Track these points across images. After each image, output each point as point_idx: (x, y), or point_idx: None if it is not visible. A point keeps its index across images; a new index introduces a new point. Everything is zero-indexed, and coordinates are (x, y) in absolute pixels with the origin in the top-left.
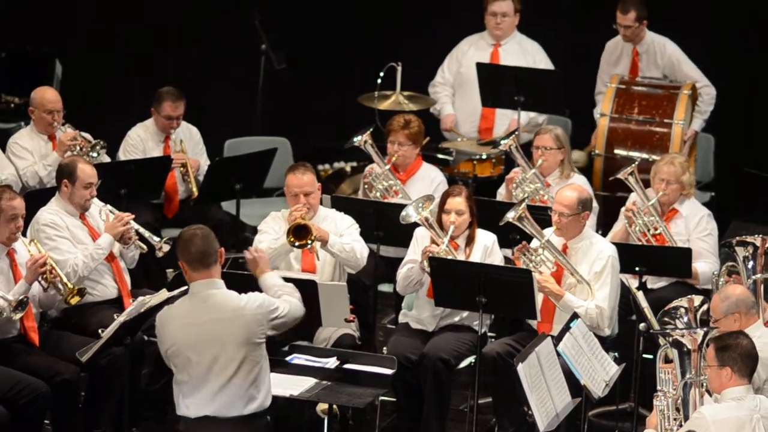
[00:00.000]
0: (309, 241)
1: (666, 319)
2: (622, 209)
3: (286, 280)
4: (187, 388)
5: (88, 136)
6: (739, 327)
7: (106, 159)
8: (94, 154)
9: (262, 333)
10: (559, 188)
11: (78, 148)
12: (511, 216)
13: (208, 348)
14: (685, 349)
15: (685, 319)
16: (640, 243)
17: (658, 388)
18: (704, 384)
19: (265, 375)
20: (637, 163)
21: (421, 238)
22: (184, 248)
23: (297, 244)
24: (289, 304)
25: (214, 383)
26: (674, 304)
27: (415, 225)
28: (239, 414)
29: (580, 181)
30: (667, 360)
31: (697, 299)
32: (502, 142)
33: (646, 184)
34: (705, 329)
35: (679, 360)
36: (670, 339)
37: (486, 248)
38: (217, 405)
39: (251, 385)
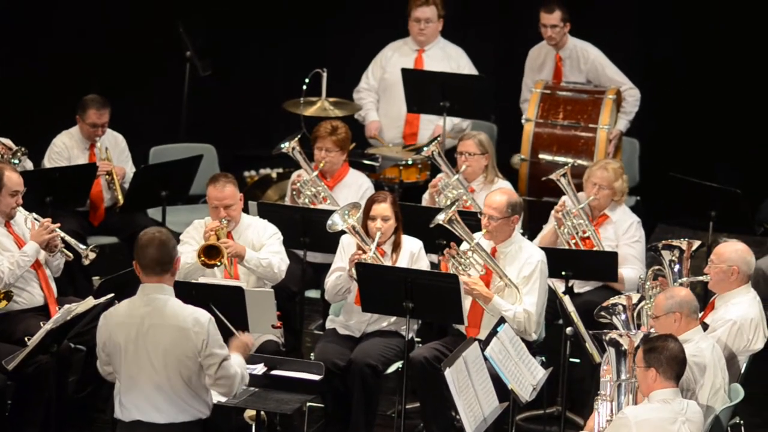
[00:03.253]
0: (219, 263)
1: (603, 313)
2: (552, 211)
3: (213, 286)
4: (120, 388)
5: (8, 142)
6: (677, 327)
7: (29, 165)
8: (16, 161)
9: (192, 354)
10: (484, 193)
11: None
12: (441, 218)
13: (138, 350)
14: (622, 349)
15: (623, 316)
16: (568, 246)
17: (600, 391)
18: (634, 386)
19: (198, 387)
20: (570, 165)
21: (347, 245)
22: (140, 252)
23: (208, 263)
24: (236, 375)
25: (144, 386)
26: (612, 300)
27: (342, 232)
28: (171, 421)
29: (505, 185)
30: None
31: (635, 296)
32: (424, 148)
33: (579, 188)
34: (644, 332)
35: (616, 359)
36: (607, 338)
37: (412, 254)
38: (147, 409)
39: (185, 393)
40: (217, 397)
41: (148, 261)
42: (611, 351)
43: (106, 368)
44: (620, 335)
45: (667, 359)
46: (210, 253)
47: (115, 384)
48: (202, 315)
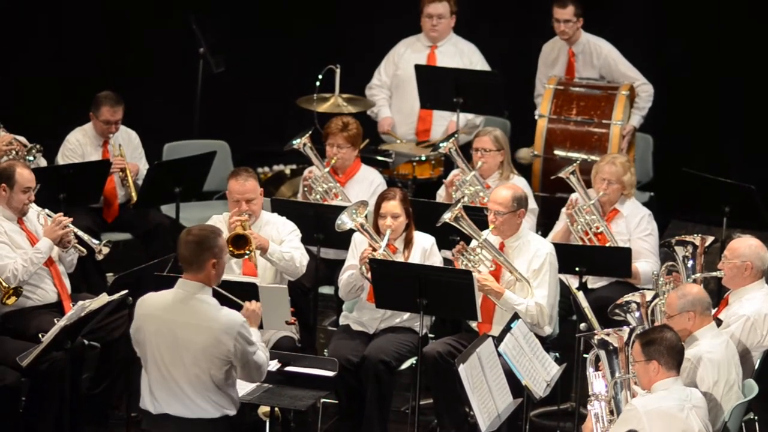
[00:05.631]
0: (247, 252)
1: (617, 311)
2: (563, 209)
3: (228, 283)
4: (148, 380)
5: (23, 139)
6: (692, 326)
7: (43, 162)
8: (31, 158)
9: (224, 357)
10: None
11: (14, 152)
12: (447, 216)
13: (168, 346)
14: (611, 348)
15: (637, 314)
16: (581, 242)
17: (590, 392)
18: (629, 382)
19: (226, 386)
20: (578, 162)
21: (359, 242)
22: (178, 246)
23: (236, 253)
24: (264, 363)
25: (174, 382)
26: (626, 298)
27: (352, 230)
28: (199, 417)
29: (520, 182)
30: (599, 362)
31: (649, 294)
32: (441, 145)
33: (588, 184)
34: (631, 326)
35: (608, 360)
36: (596, 340)
37: (425, 250)
38: (176, 405)
39: (213, 391)
40: None
41: (180, 256)
42: (601, 352)
43: (137, 349)
44: (607, 334)
45: (667, 349)
46: (238, 243)
47: (141, 376)
48: (236, 318)
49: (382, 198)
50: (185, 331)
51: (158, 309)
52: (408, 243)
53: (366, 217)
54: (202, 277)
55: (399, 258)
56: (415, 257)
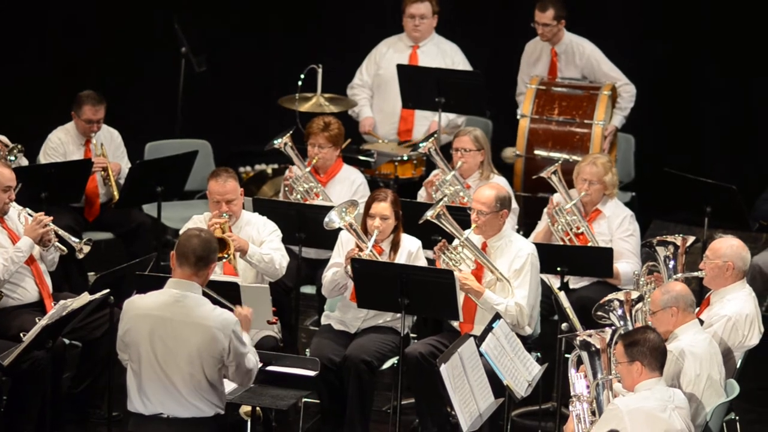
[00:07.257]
0: (226, 255)
1: (600, 313)
2: (545, 209)
3: (210, 282)
4: (137, 381)
5: (5, 139)
6: (675, 322)
7: (25, 162)
8: (12, 158)
9: (218, 356)
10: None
11: None
12: (429, 214)
13: (164, 344)
14: (594, 349)
15: (619, 312)
16: (562, 242)
17: (572, 393)
18: (611, 382)
19: (219, 383)
20: (560, 162)
21: (346, 241)
22: (182, 242)
23: None
24: (254, 368)
25: (168, 381)
26: (610, 297)
27: (339, 229)
28: (193, 416)
29: (500, 181)
30: (580, 363)
31: (635, 293)
32: (421, 144)
33: (570, 184)
34: (613, 327)
35: (590, 361)
36: (578, 341)
37: (410, 253)
38: (170, 404)
39: (206, 390)
40: None
41: (188, 250)
42: (583, 354)
43: (123, 356)
44: (590, 335)
45: (650, 350)
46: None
47: (128, 379)
48: (229, 317)
49: (372, 198)
50: (181, 330)
51: (152, 309)
52: (395, 245)
53: (354, 217)
54: (201, 276)
55: (385, 260)
56: (401, 260)
